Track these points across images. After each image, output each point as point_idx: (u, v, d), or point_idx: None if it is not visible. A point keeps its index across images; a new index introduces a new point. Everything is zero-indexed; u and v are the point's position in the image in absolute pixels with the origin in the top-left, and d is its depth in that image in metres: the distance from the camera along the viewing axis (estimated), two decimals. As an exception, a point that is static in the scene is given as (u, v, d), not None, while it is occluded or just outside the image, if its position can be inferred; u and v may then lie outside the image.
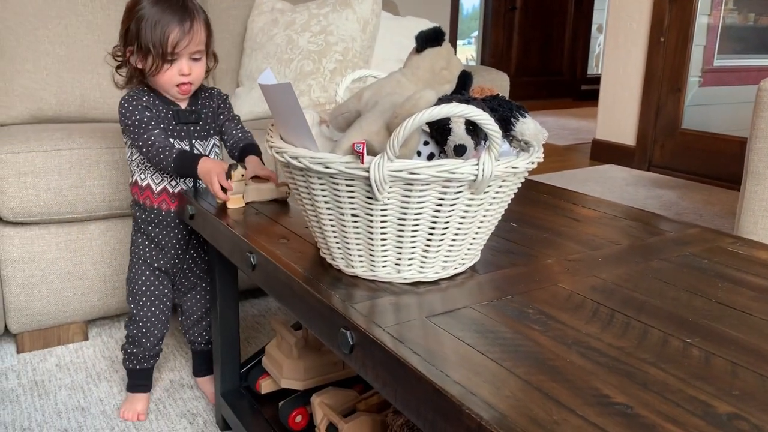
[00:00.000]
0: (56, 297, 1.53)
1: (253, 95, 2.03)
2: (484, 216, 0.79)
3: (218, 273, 1.21)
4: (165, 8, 1.16)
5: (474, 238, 0.81)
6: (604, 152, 3.75)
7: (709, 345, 0.66)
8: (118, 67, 1.24)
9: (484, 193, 0.76)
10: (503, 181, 0.77)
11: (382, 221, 0.76)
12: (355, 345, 0.69)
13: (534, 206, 1.17)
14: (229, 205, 1.12)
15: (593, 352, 0.63)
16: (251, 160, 1.22)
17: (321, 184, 0.77)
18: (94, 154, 1.48)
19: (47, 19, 1.80)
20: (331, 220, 0.80)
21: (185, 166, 1.15)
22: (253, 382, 1.25)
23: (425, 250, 0.78)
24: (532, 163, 0.78)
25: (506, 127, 0.80)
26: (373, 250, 0.79)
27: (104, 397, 1.39)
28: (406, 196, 0.73)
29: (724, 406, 0.54)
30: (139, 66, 1.19)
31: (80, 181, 1.46)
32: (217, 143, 1.30)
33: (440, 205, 0.74)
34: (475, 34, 6.72)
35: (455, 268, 0.83)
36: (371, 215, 0.75)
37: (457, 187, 0.73)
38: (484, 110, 0.71)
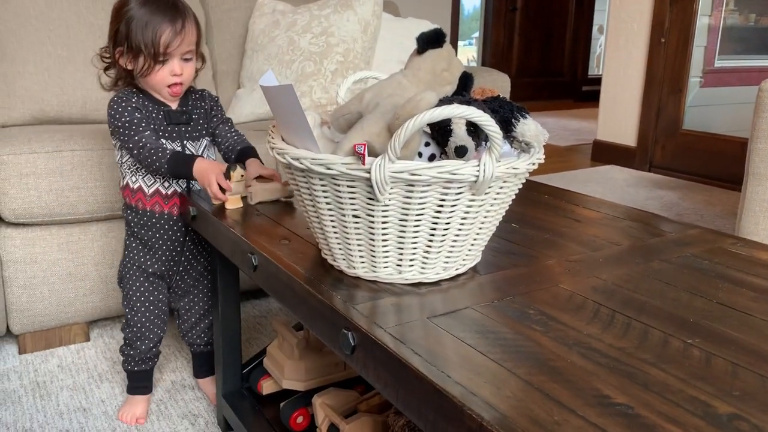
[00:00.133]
0: (58, 298, 1.54)
1: (255, 97, 2.04)
2: (485, 217, 0.79)
3: (219, 274, 1.21)
4: (155, 8, 1.15)
5: (475, 239, 0.81)
6: (604, 153, 3.75)
7: (709, 345, 0.66)
8: (106, 69, 1.23)
9: (485, 194, 0.76)
10: (504, 182, 0.77)
11: (384, 222, 0.76)
12: (356, 346, 0.69)
13: (535, 207, 1.17)
14: (228, 206, 1.12)
15: (594, 353, 0.63)
16: (253, 162, 1.22)
17: (322, 185, 0.77)
18: (95, 156, 1.48)
19: (49, 21, 1.80)
20: (332, 221, 0.80)
21: (180, 167, 1.15)
22: (255, 382, 1.25)
23: (426, 251, 0.78)
24: (533, 164, 0.78)
25: (507, 128, 0.80)
26: (374, 251, 0.79)
27: (106, 397, 1.39)
28: (408, 197, 0.73)
29: (725, 406, 0.54)
30: (129, 67, 1.18)
31: (82, 182, 1.47)
32: (209, 144, 1.29)
33: (441, 206, 0.74)
34: (476, 34, 6.72)
35: (456, 269, 0.83)
36: (372, 216, 0.76)
37: (458, 188, 0.73)
38: (485, 111, 0.71)
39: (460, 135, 0.74)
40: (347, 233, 0.79)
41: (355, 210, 0.77)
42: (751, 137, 1.49)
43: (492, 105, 0.81)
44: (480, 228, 0.80)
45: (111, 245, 1.56)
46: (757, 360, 0.63)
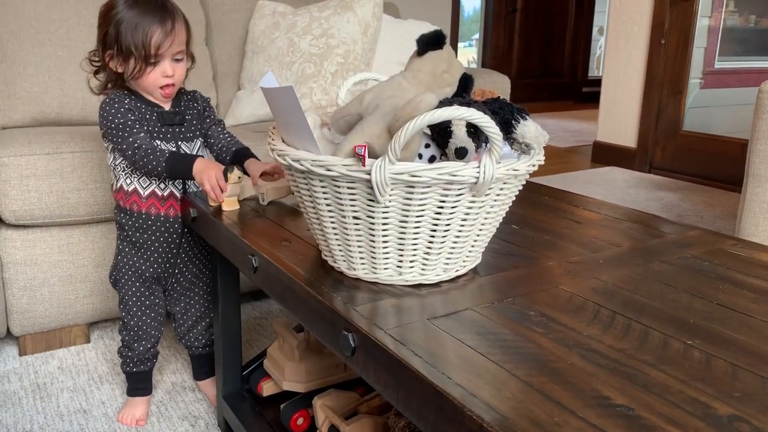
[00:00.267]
0: (58, 299, 1.54)
1: (255, 98, 2.04)
2: (485, 218, 0.79)
3: (220, 275, 1.21)
4: (144, 10, 1.14)
5: (475, 241, 0.81)
6: (605, 154, 3.76)
7: (709, 347, 0.66)
8: (96, 72, 1.22)
9: (486, 195, 0.76)
10: (504, 183, 0.77)
11: (384, 224, 0.76)
12: (356, 347, 0.69)
13: (535, 208, 1.17)
14: (225, 208, 1.12)
15: (594, 354, 0.63)
16: (252, 161, 1.22)
17: (323, 187, 0.77)
18: (96, 157, 1.48)
19: (49, 23, 1.81)
20: (332, 222, 0.80)
21: (179, 166, 1.14)
22: (255, 384, 1.25)
23: (427, 253, 0.78)
24: (533, 165, 0.78)
25: (507, 130, 0.80)
26: (374, 253, 0.79)
27: (106, 399, 1.39)
28: (408, 199, 0.73)
29: (725, 407, 0.54)
30: (120, 70, 1.17)
31: (82, 183, 1.47)
32: (202, 145, 1.29)
33: (441, 207, 0.74)
34: (476, 36, 6.72)
35: (456, 271, 0.83)
36: (373, 218, 0.76)
37: (459, 189, 0.73)
38: (485, 113, 0.71)
39: (460, 136, 0.74)
40: (347, 235, 0.79)
41: (355, 211, 0.77)
42: (751, 138, 1.50)
43: (492, 106, 0.81)
44: (480, 229, 0.80)
45: (111, 247, 1.56)
46: (757, 361, 0.63)
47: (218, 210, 1.11)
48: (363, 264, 0.81)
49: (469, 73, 0.87)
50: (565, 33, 6.75)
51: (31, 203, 1.43)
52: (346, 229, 0.79)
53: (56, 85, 1.78)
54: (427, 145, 0.80)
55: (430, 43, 0.84)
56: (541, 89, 6.64)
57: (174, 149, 1.22)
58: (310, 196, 0.80)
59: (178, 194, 1.24)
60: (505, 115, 0.81)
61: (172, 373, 1.51)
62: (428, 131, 0.80)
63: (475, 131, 0.75)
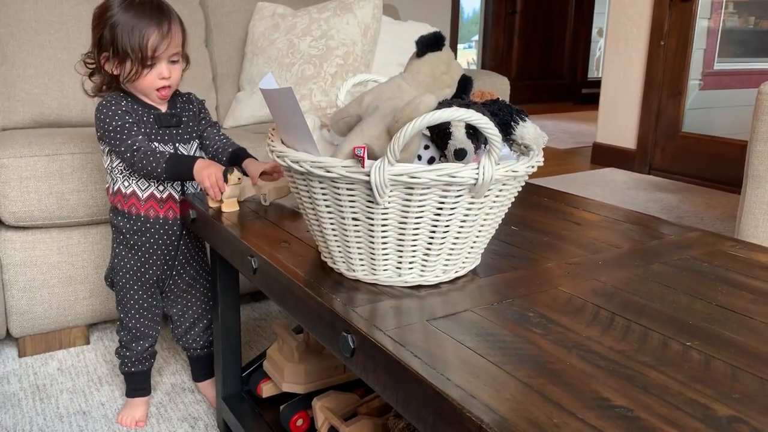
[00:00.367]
0: (58, 301, 1.54)
1: (255, 99, 2.04)
2: (484, 219, 0.79)
3: (219, 276, 1.21)
4: (141, 12, 1.13)
5: (475, 242, 0.81)
6: (604, 156, 3.76)
7: (709, 348, 0.66)
8: (90, 75, 1.21)
9: (485, 196, 0.76)
10: (503, 184, 0.77)
11: (383, 225, 0.76)
12: (356, 348, 0.69)
13: (534, 210, 1.17)
14: (224, 209, 1.12)
15: (593, 356, 0.63)
16: (251, 161, 1.22)
17: (322, 188, 0.77)
18: (95, 159, 1.48)
19: (49, 24, 1.81)
20: (332, 223, 0.80)
21: (179, 168, 1.14)
22: (255, 385, 1.25)
23: (426, 254, 0.78)
24: (532, 167, 0.78)
25: (506, 131, 0.81)
26: (374, 254, 0.79)
27: (106, 401, 1.39)
28: (407, 200, 0.73)
29: (724, 409, 0.54)
30: (116, 72, 1.17)
31: (82, 185, 1.47)
32: (199, 146, 1.29)
33: (441, 208, 0.74)
34: (476, 38, 6.73)
35: (456, 272, 0.83)
36: (372, 219, 0.76)
37: (458, 190, 0.73)
38: (484, 114, 0.72)
39: (459, 138, 0.75)
40: (347, 236, 0.79)
41: (354, 213, 0.77)
42: (751, 140, 1.50)
43: (491, 108, 0.81)
44: (479, 231, 0.80)
45: (111, 248, 1.56)
46: (757, 362, 0.63)
47: (218, 211, 1.12)
48: (362, 265, 0.81)
49: (468, 74, 0.88)
50: (565, 34, 6.76)
51: (30, 205, 1.43)
52: (346, 230, 0.79)
53: (56, 87, 1.78)
54: (427, 147, 0.80)
55: (429, 44, 0.84)
56: (541, 91, 6.65)
57: (172, 151, 1.22)
58: (310, 198, 0.80)
59: (176, 196, 1.24)
60: (504, 117, 0.81)
61: (172, 374, 1.51)
62: (427, 132, 0.80)
63: (474, 133, 0.75)
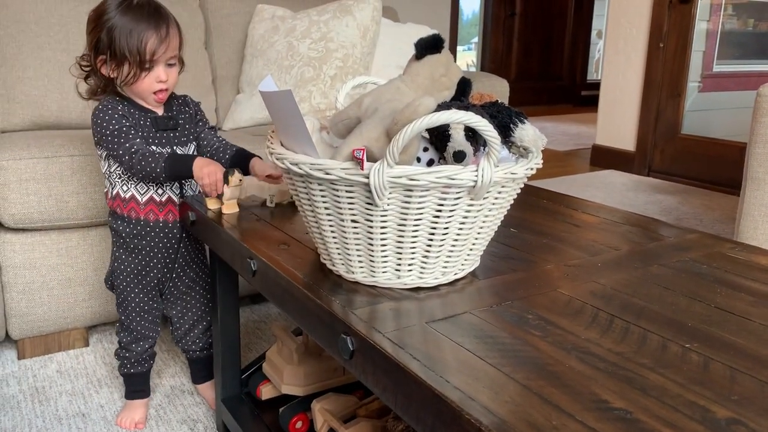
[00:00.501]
0: (57, 303, 1.54)
1: (254, 102, 2.04)
2: (483, 222, 0.79)
3: (219, 279, 1.21)
4: (138, 15, 1.13)
5: (474, 244, 0.82)
6: (603, 158, 3.76)
7: (708, 350, 0.66)
8: (86, 78, 1.21)
9: (484, 198, 0.76)
10: (502, 187, 0.77)
11: (382, 227, 0.76)
12: (355, 350, 0.69)
13: (534, 212, 1.17)
14: (225, 211, 1.12)
15: (592, 358, 0.63)
16: (258, 161, 1.21)
17: (321, 190, 0.77)
18: (95, 161, 1.48)
19: (49, 26, 1.81)
20: (331, 226, 0.80)
21: (178, 167, 1.14)
22: (254, 387, 1.25)
23: (425, 256, 0.78)
24: (531, 169, 0.78)
25: (505, 134, 0.81)
26: (373, 256, 0.79)
27: (105, 403, 1.39)
28: (406, 202, 0.73)
29: (723, 411, 0.55)
30: (112, 75, 1.16)
31: (81, 187, 1.47)
32: (196, 149, 1.29)
33: (440, 211, 0.74)
34: (475, 40, 6.74)
35: (455, 274, 0.83)
36: (371, 221, 0.76)
37: (457, 193, 0.73)
38: (483, 117, 0.72)
39: (458, 140, 0.75)
40: (346, 238, 0.79)
41: (353, 215, 0.77)
42: (750, 141, 1.50)
43: (490, 110, 0.81)
44: (478, 233, 0.80)
45: (110, 251, 1.56)
46: (756, 364, 0.63)
47: (218, 214, 1.12)
48: (361, 267, 0.81)
49: (467, 76, 0.88)
50: (564, 36, 6.76)
51: (30, 207, 1.43)
52: (345, 232, 0.79)
53: (55, 89, 1.78)
54: (426, 149, 0.80)
55: (428, 46, 0.84)
56: (540, 93, 6.65)
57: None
58: (309, 200, 0.80)
59: (176, 199, 1.24)
60: (503, 119, 0.81)
61: (171, 376, 1.50)
62: (426, 135, 0.80)
63: (473, 135, 0.75)
